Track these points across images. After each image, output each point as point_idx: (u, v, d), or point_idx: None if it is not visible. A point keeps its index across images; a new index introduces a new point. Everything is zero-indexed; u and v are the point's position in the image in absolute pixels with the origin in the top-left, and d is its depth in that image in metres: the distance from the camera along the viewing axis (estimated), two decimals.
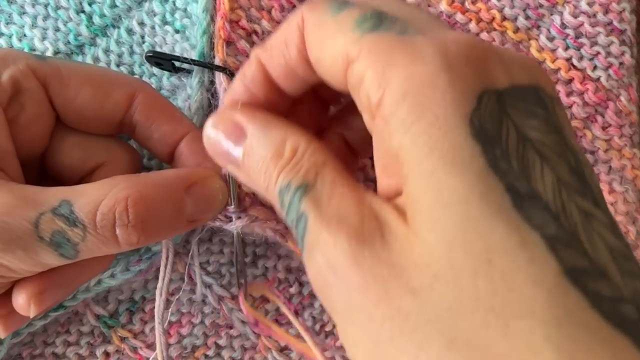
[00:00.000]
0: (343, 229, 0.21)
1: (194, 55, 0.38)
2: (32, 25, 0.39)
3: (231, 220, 0.34)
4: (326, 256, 0.21)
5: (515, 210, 0.19)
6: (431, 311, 0.19)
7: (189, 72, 0.37)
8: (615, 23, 0.39)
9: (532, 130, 0.21)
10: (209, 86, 0.37)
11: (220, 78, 0.37)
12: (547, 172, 0.20)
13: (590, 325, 0.18)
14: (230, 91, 0.28)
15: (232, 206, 0.33)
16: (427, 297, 0.19)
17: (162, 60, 0.37)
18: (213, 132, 0.27)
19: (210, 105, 0.37)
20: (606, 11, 0.40)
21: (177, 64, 0.37)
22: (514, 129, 0.21)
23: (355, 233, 0.21)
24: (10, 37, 0.39)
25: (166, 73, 0.38)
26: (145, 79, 0.38)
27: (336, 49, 0.23)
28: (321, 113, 0.31)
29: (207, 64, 0.37)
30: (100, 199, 0.28)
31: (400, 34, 0.22)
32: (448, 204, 0.19)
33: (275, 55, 0.26)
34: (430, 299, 0.19)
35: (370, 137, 0.23)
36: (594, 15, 0.40)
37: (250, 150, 0.25)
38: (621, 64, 0.39)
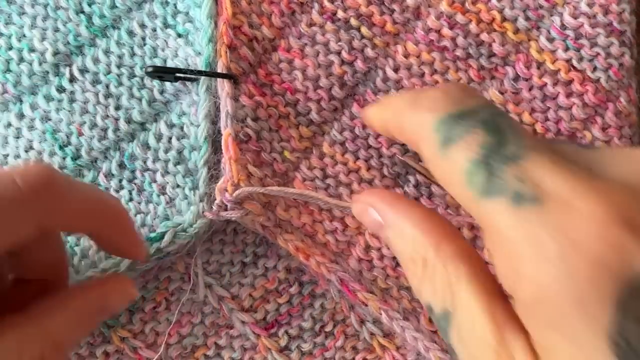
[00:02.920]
0: None
1: (199, 62, 0.40)
2: (32, 25, 0.41)
3: (226, 209, 0.37)
4: None
5: None
6: None
7: (193, 78, 0.38)
8: (615, 24, 0.41)
9: None
10: (215, 93, 0.39)
11: (224, 85, 0.38)
12: None
13: None
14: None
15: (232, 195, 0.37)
16: None
17: (164, 73, 0.37)
18: (361, 219, 0.29)
19: (217, 111, 0.39)
20: (606, 12, 0.41)
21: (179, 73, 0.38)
22: None
23: None
24: (9, 37, 0.41)
25: None
26: (147, 82, 0.40)
27: (456, 195, 0.24)
28: None
29: (211, 73, 0.38)
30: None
31: (516, 203, 0.21)
32: None
33: (387, 126, 0.28)
34: None
35: None
36: (594, 16, 0.41)
37: (390, 242, 0.27)
38: (621, 65, 0.40)
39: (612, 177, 0.22)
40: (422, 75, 0.41)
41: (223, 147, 0.38)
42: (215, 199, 0.38)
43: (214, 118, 0.39)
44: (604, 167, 0.22)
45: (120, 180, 0.40)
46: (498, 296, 0.24)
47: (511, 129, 0.24)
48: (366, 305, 0.38)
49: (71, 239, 0.39)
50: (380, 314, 0.38)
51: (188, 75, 0.39)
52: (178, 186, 0.39)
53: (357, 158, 0.40)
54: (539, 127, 0.40)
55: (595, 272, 0.19)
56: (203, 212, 0.38)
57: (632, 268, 0.19)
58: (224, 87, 0.39)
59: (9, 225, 0.27)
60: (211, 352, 0.40)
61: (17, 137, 0.40)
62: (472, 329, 0.23)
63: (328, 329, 0.40)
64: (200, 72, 0.37)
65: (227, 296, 0.40)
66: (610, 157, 0.23)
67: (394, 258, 0.39)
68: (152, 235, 0.38)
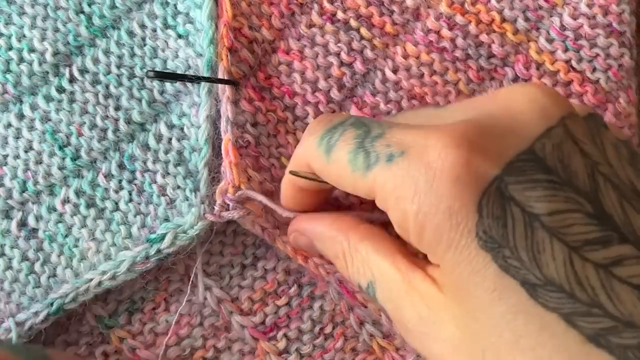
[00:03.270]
0: (410, 319, 0.29)
1: (200, 63, 0.40)
2: (32, 25, 0.41)
3: (228, 209, 0.38)
4: (410, 343, 0.30)
5: (532, 300, 0.24)
6: None
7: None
8: (614, 25, 0.41)
9: (538, 203, 0.25)
10: (217, 95, 0.40)
11: (225, 90, 0.38)
12: (557, 249, 0.24)
13: None
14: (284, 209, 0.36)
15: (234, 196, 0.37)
16: None
17: (164, 78, 0.39)
18: (297, 245, 0.37)
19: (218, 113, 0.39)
20: (606, 13, 0.41)
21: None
22: (519, 212, 0.25)
23: (421, 318, 0.28)
24: (9, 37, 0.41)
25: None
26: (147, 82, 0.41)
27: (351, 188, 0.30)
28: None
29: (212, 79, 0.38)
30: None
31: (389, 162, 0.27)
32: (477, 306, 0.25)
33: (305, 183, 0.33)
34: None
35: None
36: (594, 17, 0.41)
37: (322, 252, 0.34)
38: (620, 65, 0.41)
39: (452, 120, 0.27)
40: (422, 76, 0.41)
41: (223, 152, 0.38)
42: (216, 201, 0.38)
43: (214, 120, 0.39)
44: (450, 118, 0.28)
45: (120, 181, 0.40)
46: (400, 254, 0.29)
47: (372, 121, 0.30)
48: (366, 306, 0.38)
49: (69, 241, 0.39)
50: (380, 315, 0.38)
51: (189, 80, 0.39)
52: (179, 187, 0.39)
53: None
54: None
55: (456, 189, 0.25)
56: (204, 213, 0.38)
57: (480, 178, 0.25)
58: (224, 92, 0.39)
59: None
60: (210, 355, 0.40)
61: (17, 138, 0.40)
62: (389, 286, 0.29)
63: (327, 330, 0.40)
64: (201, 78, 0.38)
65: (227, 299, 0.40)
66: (454, 110, 0.30)
67: None
68: (152, 236, 0.38)
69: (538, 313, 0.24)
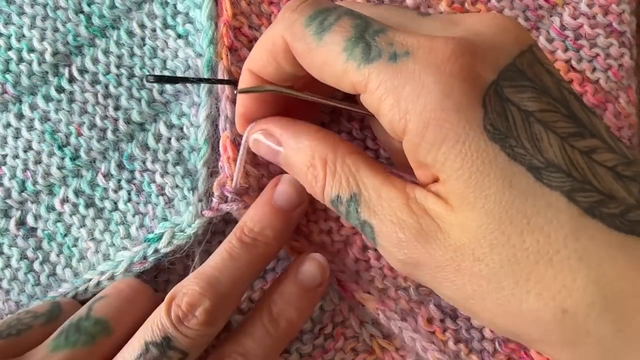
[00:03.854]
0: (408, 231, 0.29)
1: (199, 63, 0.40)
2: (31, 25, 0.42)
3: (226, 201, 0.38)
4: (406, 255, 0.30)
5: (538, 182, 0.27)
6: (496, 267, 0.27)
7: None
8: (614, 25, 0.41)
9: (529, 102, 0.28)
10: (216, 94, 0.40)
11: (224, 89, 0.39)
12: (552, 137, 0.27)
13: (609, 240, 0.26)
14: (241, 107, 0.35)
15: (233, 187, 0.38)
16: (490, 259, 0.27)
17: (163, 80, 0.39)
18: (258, 139, 0.35)
19: (217, 112, 0.40)
20: (606, 13, 0.41)
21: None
22: (516, 110, 0.27)
23: (419, 234, 0.29)
24: (9, 37, 0.42)
25: None
26: (146, 82, 0.41)
27: (338, 75, 0.29)
28: None
29: (211, 80, 0.39)
30: None
31: (393, 60, 0.28)
32: (488, 195, 0.27)
33: (268, 69, 0.33)
34: (493, 259, 0.27)
35: None
36: (594, 17, 0.41)
37: (288, 158, 0.33)
38: (620, 65, 0.41)
39: (434, 33, 0.29)
40: None
41: (221, 149, 0.39)
42: (215, 193, 0.38)
43: (214, 119, 0.40)
44: (431, 30, 0.30)
45: (119, 181, 0.40)
46: (393, 174, 0.31)
47: (367, 16, 0.30)
48: (363, 305, 0.38)
49: (68, 240, 0.40)
50: (378, 315, 0.38)
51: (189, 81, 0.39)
52: (177, 186, 0.40)
53: None
54: None
55: (465, 87, 0.27)
56: (202, 211, 0.38)
57: (482, 81, 0.27)
58: (224, 91, 0.39)
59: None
60: None
61: (17, 138, 0.40)
62: (379, 198, 0.30)
63: (327, 330, 0.40)
64: (200, 80, 0.38)
65: None
66: (434, 22, 0.31)
67: None
68: (150, 236, 0.39)
69: (544, 193, 0.26)
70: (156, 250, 0.38)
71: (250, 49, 0.41)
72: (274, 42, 0.31)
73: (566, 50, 0.41)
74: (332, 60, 0.29)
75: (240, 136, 0.38)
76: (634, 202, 0.27)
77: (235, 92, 0.35)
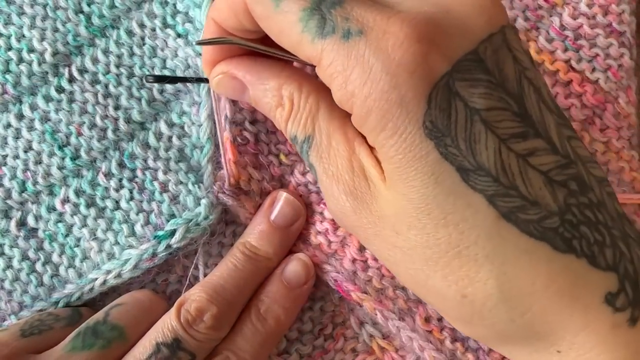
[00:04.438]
0: (342, 186, 0.30)
1: (199, 62, 0.40)
2: (31, 25, 0.42)
3: (224, 193, 0.39)
4: (336, 205, 0.31)
5: (463, 183, 0.27)
6: (410, 244, 0.29)
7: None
8: (614, 25, 0.41)
9: (478, 99, 0.27)
10: (216, 94, 0.40)
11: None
12: (490, 139, 0.27)
13: (518, 244, 0.27)
14: (206, 53, 0.35)
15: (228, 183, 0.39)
16: (406, 236, 0.29)
17: (163, 82, 0.40)
18: (220, 85, 0.35)
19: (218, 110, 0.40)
20: (605, 13, 0.41)
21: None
22: (462, 107, 0.27)
23: (351, 191, 0.30)
24: (9, 37, 0.42)
25: None
26: (145, 82, 0.41)
27: (294, 45, 0.29)
28: None
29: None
30: None
31: (345, 39, 0.28)
32: (413, 186, 0.28)
33: (231, 23, 0.33)
34: (408, 237, 0.29)
35: None
36: (594, 17, 0.41)
37: (256, 99, 0.33)
38: (620, 66, 0.41)
39: (410, 9, 0.28)
40: None
41: (222, 150, 0.39)
42: (216, 182, 0.39)
43: (215, 116, 0.40)
44: (402, 3, 0.29)
45: (120, 180, 0.40)
46: (350, 124, 0.30)
47: None
48: (361, 305, 0.39)
49: (70, 240, 0.40)
50: (376, 315, 0.38)
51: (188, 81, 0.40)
52: (181, 183, 0.40)
53: None
54: None
55: (412, 81, 0.27)
56: (217, 202, 0.39)
57: (433, 72, 0.27)
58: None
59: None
60: None
61: (17, 138, 0.41)
62: (329, 145, 0.31)
63: (327, 331, 0.40)
64: (200, 79, 0.38)
65: None
66: None
67: None
68: (161, 233, 0.39)
69: (467, 194, 0.27)
70: (168, 246, 0.39)
71: None
72: (233, 3, 0.31)
73: (566, 50, 0.41)
74: (288, 29, 0.29)
75: (240, 137, 0.38)
76: (555, 209, 0.28)
77: (194, 43, 0.35)
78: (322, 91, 0.31)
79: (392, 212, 0.29)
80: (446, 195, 0.27)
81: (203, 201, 0.39)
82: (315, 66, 0.29)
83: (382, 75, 0.27)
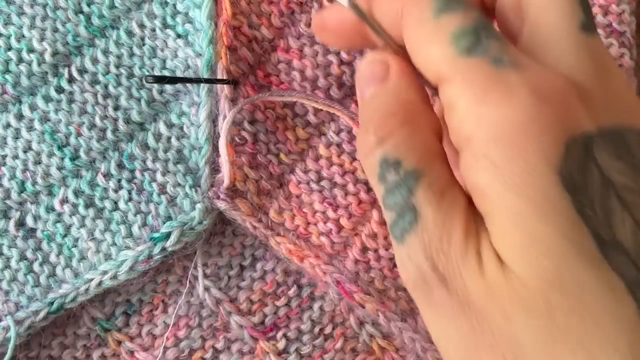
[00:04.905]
0: (453, 244, 0.25)
1: (199, 63, 0.40)
2: (31, 25, 0.42)
3: (218, 198, 0.39)
4: (431, 266, 0.25)
5: (602, 257, 0.23)
6: (522, 337, 0.23)
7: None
8: (614, 25, 0.41)
9: (617, 174, 0.24)
10: (216, 94, 0.40)
11: (223, 89, 0.39)
12: (627, 218, 0.24)
13: None
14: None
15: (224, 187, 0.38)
16: (521, 326, 0.23)
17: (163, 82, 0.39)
18: (370, 63, 0.29)
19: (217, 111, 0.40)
20: (605, 13, 0.41)
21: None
22: (598, 173, 0.24)
23: (461, 251, 0.24)
24: (8, 37, 0.42)
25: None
26: (145, 82, 0.41)
27: (430, 57, 0.26)
28: None
29: (210, 80, 0.39)
30: None
31: (495, 65, 0.25)
32: (542, 249, 0.23)
33: (381, 12, 0.28)
34: (524, 328, 0.23)
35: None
36: (593, 17, 0.41)
37: (380, 95, 0.28)
38: (620, 66, 0.42)
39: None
40: None
41: (220, 150, 0.39)
42: (213, 187, 0.39)
43: (214, 118, 0.40)
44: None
45: (119, 181, 0.40)
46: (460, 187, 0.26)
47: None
48: (363, 306, 0.39)
49: (68, 241, 0.40)
50: (378, 316, 0.38)
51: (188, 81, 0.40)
52: (179, 185, 0.40)
53: (354, 159, 0.41)
54: None
55: (555, 120, 0.24)
56: (211, 208, 0.39)
57: (577, 126, 0.24)
58: (223, 90, 0.39)
59: None
60: (209, 355, 0.40)
61: (16, 138, 0.41)
62: (443, 193, 0.25)
63: (327, 331, 0.40)
64: (199, 80, 0.38)
65: (225, 299, 0.40)
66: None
67: (392, 259, 0.39)
68: (156, 235, 0.39)
69: (606, 272, 0.23)
70: (163, 249, 0.39)
71: (249, 49, 0.41)
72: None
73: None
74: (434, 39, 0.26)
75: (238, 136, 0.38)
76: None
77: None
78: (443, 150, 0.27)
79: (507, 290, 0.23)
80: (584, 266, 0.23)
81: (198, 206, 0.39)
82: (435, 87, 0.27)
83: (526, 106, 0.24)
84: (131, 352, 0.40)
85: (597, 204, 0.23)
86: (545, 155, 0.23)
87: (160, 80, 0.39)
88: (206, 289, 0.40)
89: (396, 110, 0.27)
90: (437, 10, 0.26)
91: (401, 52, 0.28)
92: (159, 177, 0.40)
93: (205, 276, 0.41)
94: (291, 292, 0.41)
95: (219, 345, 0.40)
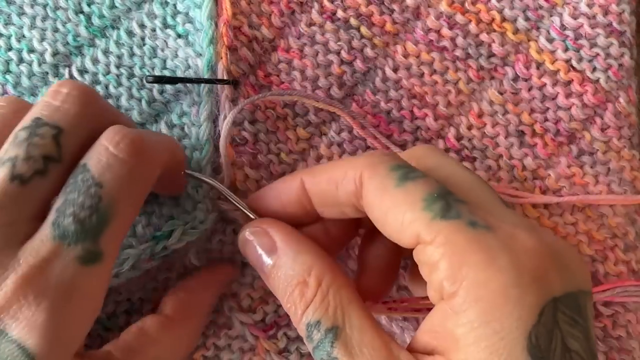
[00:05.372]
0: None
1: (199, 63, 0.40)
2: (31, 25, 0.42)
3: (219, 198, 0.39)
4: None
5: None
6: None
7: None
8: (614, 24, 0.41)
9: (573, 341, 0.26)
10: (217, 94, 0.40)
11: (224, 89, 0.39)
12: None
13: None
14: (263, 193, 0.35)
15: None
16: None
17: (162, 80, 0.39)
18: (250, 238, 0.33)
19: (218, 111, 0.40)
20: (606, 13, 0.41)
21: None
22: (560, 340, 0.26)
23: None
24: (9, 37, 0.42)
25: None
26: (146, 82, 0.41)
27: (404, 221, 0.28)
28: (349, 225, 0.35)
29: (211, 80, 0.39)
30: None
31: (471, 226, 0.27)
32: None
33: (322, 190, 0.32)
34: None
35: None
36: (594, 17, 0.41)
37: (278, 269, 0.31)
38: (620, 65, 0.41)
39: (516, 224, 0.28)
40: (422, 75, 0.42)
41: (220, 151, 0.39)
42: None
43: (214, 118, 0.40)
44: (512, 222, 0.29)
45: None
46: (374, 319, 0.29)
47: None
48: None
49: None
50: (380, 316, 0.38)
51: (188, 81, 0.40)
52: None
53: None
54: (537, 128, 0.41)
55: (535, 286, 0.26)
56: (212, 208, 0.39)
57: (551, 291, 0.26)
58: (223, 90, 0.40)
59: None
60: (210, 353, 0.40)
61: None
62: (361, 342, 0.28)
63: None
64: (199, 80, 0.38)
65: (227, 294, 0.40)
66: (515, 215, 0.30)
67: None
68: (158, 234, 0.39)
69: None
70: (165, 248, 0.38)
71: (250, 49, 0.41)
72: (346, 172, 0.31)
73: (566, 50, 0.41)
74: (405, 205, 0.28)
75: (239, 137, 0.38)
76: None
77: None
78: (354, 290, 0.30)
79: None
80: None
81: (200, 205, 0.39)
82: (412, 249, 0.29)
83: (507, 270, 0.26)
84: None
85: None
86: (521, 320, 0.26)
87: (160, 80, 0.39)
88: None
89: (300, 278, 0.30)
90: (400, 178, 0.29)
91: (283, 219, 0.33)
92: None
93: None
94: None
95: (220, 342, 0.40)
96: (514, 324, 0.25)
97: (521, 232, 0.27)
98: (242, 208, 0.35)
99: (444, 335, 0.27)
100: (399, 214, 0.28)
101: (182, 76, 0.41)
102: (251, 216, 0.34)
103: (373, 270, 0.34)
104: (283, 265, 0.31)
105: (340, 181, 0.31)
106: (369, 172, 0.30)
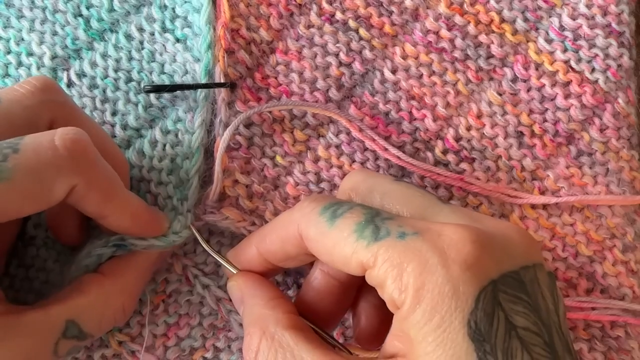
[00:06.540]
0: None
1: (197, 68, 0.40)
2: (30, 29, 0.42)
3: (205, 212, 0.39)
4: None
5: None
6: None
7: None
8: (613, 25, 0.41)
9: (518, 316, 0.29)
10: (213, 99, 0.40)
11: (220, 92, 0.39)
12: (526, 356, 0.28)
13: None
14: (239, 250, 0.38)
15: (211, 199, 0.39)
16: None
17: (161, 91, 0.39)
18: (229, 291, 0.37)
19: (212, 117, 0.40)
20: (605, 13, 0.41)
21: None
22: (503, 318, 0.28)
23: None
24: (8, 41, 0.42)
25: None
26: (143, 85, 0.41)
27: (347, 255, 0.31)
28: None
29: (208, 85, 0.39)
30: (102, 313, 0.36)
31: (401, 238, 0.29)
32: None
33: (274, 251, 0.35)
34: None
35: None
36: (593, 18, 0.41)
37: (243, 318, 0.35)
38: (619, 66, 0.41)
39: (451, 221, 0.31)
40: (420, 76, 0.42)
41: (216, 162, 0.39)
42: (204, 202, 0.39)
43: (208, 126, 0.40)
44: (448, 218, 0.32)
45: None
46: (326, 346, 0.32)
47: (379, 208, 0.32)
48: None
49: (59, 246, 0.40)
50: None
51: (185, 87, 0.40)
52: (168, 197, 0.39)
53: (353, 161, 0.41)
54: (536, 129, 0.41)
55: (465, 276, 0.28)
56: (191, 222, 0.38)
57: (485, 275, 0.29)
58: (220, 94, 0.40)
59: (47, 186, 0.32)
60: (209, 354, 0.40)
61: None
62: None
63: None
64: (197, 86, 0.39)
65: (225, 297, 0.40)
66: (451, 211, 0.32)
67: None
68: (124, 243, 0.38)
69: None
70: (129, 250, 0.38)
71: (247, 51, 0.41)
72: (287, 228, 0.34)
73: (565, 50, 0.42)
74: (342, 241, 0.31)
75: (233, 141, 0.39)
76: None
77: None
78: (300, 326, 0.33)
79: None
80: None
81: (180, 217, 0.38)
82: (363, 276, 0.31)
83: (437, 268, 0.28)
84: (132, 353, 0.40)
85: (499, 349, 0.28)
86: (458, 310, 0.28)
87: (158, 90, 0.39)
88: (206, 287, 0.40)
89: (251, 329, 0.33)
90: (329, 219, 0.32)
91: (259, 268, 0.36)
92: (152, 188, 0.39)
93: (205, 274, 0.41)
94: (291, 291, 0.41)
95: (220, 344, 0.40)
96: (452, 315, 0.28)
97: (448, 227, 0.29)
98: (225, 264, 0.38)
99: (403, 338, 0.29)
100: (341, 251, 0.31)
101: (179, 81, 0.40)
102: (232, 270, 0.37)
103: (366, 317, 0.37)
104: (244, 311, 0.35)
105: (285, 239, 0.34)
106: (304, 223, 0.33)
